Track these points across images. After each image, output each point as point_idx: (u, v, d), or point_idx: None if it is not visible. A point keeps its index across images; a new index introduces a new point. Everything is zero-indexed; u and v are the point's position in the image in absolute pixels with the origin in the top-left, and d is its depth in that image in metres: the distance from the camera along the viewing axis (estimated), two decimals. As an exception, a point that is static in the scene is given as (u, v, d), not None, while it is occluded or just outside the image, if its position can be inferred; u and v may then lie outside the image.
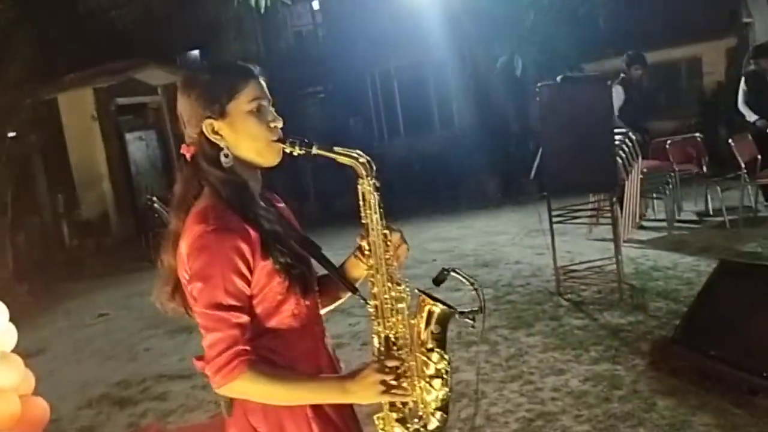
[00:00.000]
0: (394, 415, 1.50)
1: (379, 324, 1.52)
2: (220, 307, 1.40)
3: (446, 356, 1.51)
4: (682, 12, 11.15)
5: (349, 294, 1.67)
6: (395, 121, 13.92)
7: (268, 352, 1.47)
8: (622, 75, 7.03)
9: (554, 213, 5.38)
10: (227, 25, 13.38)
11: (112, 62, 11.41)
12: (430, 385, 1.50)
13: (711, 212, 7.01)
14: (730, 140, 6.47)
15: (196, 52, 14.88)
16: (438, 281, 1.60)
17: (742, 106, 7.00)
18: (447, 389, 1.50)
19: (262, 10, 7.30)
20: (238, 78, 1.50)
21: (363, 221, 1.54)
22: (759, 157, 6.55)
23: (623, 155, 5.88)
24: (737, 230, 6.29)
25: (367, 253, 1.54)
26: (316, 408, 1.49)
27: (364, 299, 1.58)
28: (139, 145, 12.36)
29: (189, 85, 1.51)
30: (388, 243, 1.53)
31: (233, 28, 13.62)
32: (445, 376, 1.50)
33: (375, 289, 1.53)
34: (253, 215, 1.46)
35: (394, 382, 1.44)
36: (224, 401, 1.50)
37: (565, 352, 4.16)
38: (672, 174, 6.81)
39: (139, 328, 6.19)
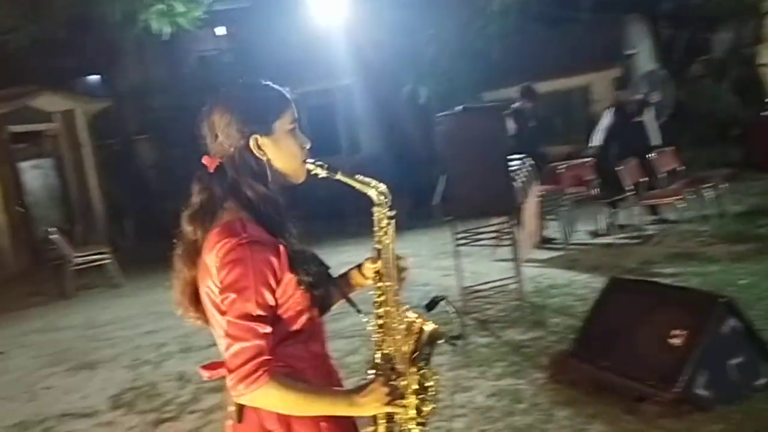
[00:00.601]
0: (383, 428, 1.59)
1: (383, 341, 1.61)
2: (249, 317, 1.45)
3: (435, 375, 1.63)
4: (572, 45, 11.93)
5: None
6: (304, 147, 14.01)
7: (286, 358, 1.52)
8: (514, 106, 7.45)
9: (459, 236, 5.60)
10: (127, 50, 13.07)
11: (4, 89, 10.89)
12: (421, 401, 1.60)
13: (605, 231, 7.49)
14: (617, 165, 6.97)
15: (94, 78, 14.43)
16: (430, 307, 1.75)
17: (599, 132, 7.69)
18: (433, 405, 1.63)
19: (165, 37, 7.26)
20: (282, 99, 1.60)
21: (376, 246, 1.64)
22: (645, 179, 7.11)
23: (521, 180, 6.21)
24: (626, 248, 6.76)
25: (377, 274, 1.64)
26: (326, 416, 1.56)
27: (362, 312, 1.67)
28: (35, 174, 11.80)
29: (234, 101, 1.57)
30: (400, 268, 1.65)
31: (134, 53, 13.32)
32: (432, 393, 1.62)
33: (382, 309, 1.63)
34: (282, 231, 1.52)
35: (398, 396, 1.55)
36: (234, 408, 1.55)
37: (471, 369, 4.33)
38: (566, 197, 7.23)
39: (38, 366, 5.91)
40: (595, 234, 7.62)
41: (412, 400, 1.59)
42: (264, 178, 1.54)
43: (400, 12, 9.83)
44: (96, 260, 8.78)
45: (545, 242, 7.37)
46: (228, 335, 1.46)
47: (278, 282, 1.48)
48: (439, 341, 1.66)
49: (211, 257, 1.49)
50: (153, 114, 12.79)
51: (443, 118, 5.26)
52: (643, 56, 12.74)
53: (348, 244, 9.51)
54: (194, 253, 1.55)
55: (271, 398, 1.47)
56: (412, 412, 1.60)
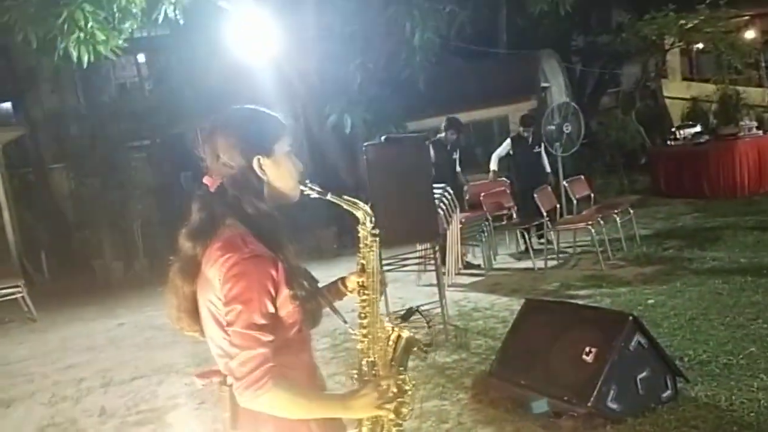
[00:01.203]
0: (367, 429, 1.71)
1: (368, 350, 1.74)
2: (254, 327, 1.54)
3: (410, 380, 1.76)
4: (492, 78, 12.43)
5: None
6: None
7: (280, 366, 1.59)
8: (438, 136, 7.73)
9: (385, 262, 5.73)
10: (44, 76, 12.68)
11: None
12: (400, 403, 1.72)
13: (524, 255, 7.80)
14: (534, 193, 7.31)
15: (7, 105, 13.89)
16: (405, 317, 1.82)
17: (495, 158, 8.37)
18: (411, 407, 1.75)
19: (85, 65, 7.13)
20: (280, 123, 1.72)
21: (361, 260, 1.78)
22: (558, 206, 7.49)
23: (443, 207, 6.42)
24: (544, 271, 7.06)
25: (361, 287, 1.78)
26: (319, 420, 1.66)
27: (347, 322, 1.83)
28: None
29: (237, 125, 1.67)
30: (381, 282, 1.78)
31: (50, 80, 12.93)
32: (410, 395, 1.75)
33: (366, 320, 1.77)
34: (280, 247, 1.61)
35: (387, 399, 1.66)
36: (229, 414, 1.62)
37: (398, 393, 4.42)
38: (487, 222, 7.50)
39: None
40: (515, 258, 7.93)
41: (393, 403, 1.70)
42: (262, 195, 1.64)
43: (326, 42, 10.01)
44: (8, 294, 8.41)
45: (468, 267, 7.61)
46: (234, 345, 1.55)
47: (277, 293, 1.58)
48: (414, 348, 1.79)
49: (213, 271, 1.57)
50: (70, 142, 12.40)
51: (368, 147, 5.40)
52: (557, 89, 13.40)
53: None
54: (194, 269, 1.63)
55: (277, 402, 1.56)
56: (392, 415, 1.71)
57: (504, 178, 8.60)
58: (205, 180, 1.66)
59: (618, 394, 3.50)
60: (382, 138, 5.53)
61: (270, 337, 1.56)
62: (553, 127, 9.10)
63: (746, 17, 14.37)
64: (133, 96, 14.71)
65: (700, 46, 13.90)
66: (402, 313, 1.65)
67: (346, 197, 1.76)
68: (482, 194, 7.80)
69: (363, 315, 1.78)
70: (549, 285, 6.53)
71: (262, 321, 1.54)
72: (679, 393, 3.69)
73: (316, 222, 10.74)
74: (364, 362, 1.75)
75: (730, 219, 8.13)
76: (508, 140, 8.66)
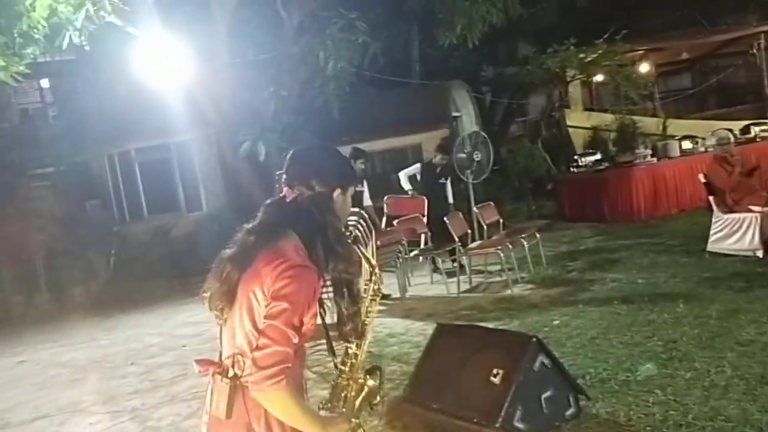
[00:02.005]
0: None
1: (347, 382, 1.95)
2: (291, 326, 1.71)
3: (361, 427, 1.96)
4: (405, 107, 12.71)
5: None
6: (138, 204, 13.44)
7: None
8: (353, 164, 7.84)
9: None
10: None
11: None
12: None
13: (438, 280, 7.96)
14: (445, 218, 7.50)
15: None
16: (369, 372, 2.06)
17: (404, 177, 8.68)
18: None
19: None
20: (355, 173, 2.11)
21: (365, 318, 2.00)
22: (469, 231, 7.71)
23: (358, 234, 6.48)
24: (456, 296, 7.23)
25: (353, 333, 1.96)
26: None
27: (336, 363, 2.01)
28: None
29: (337, 157, 2.01)
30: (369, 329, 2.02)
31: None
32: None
33: (354, 360, 1.97)
34: (326, 265, 1.84)
35: None
36: (223, 404, 1.77)
37: (313, 422, 4.40)
38: (402, 249, 7.62)
39: None
40: (429, 283, 8.08)
41: None
42: (336, 215, 1.89)
43: (239, 69, 9.98)
44: None
45: (383, 297, 7.68)
46: (268, 337, 1.71)
47: (311, 306, 1.77)
48: (375, 399, 2.01)
49: (267, 269, 1.74)
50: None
51: (281, 176, 5.40)
52: (467, 118, 13.83)
53: (190, 303, 9.25)
54: (247, 260, 1.80)
55: (281, 401, 1.73)
56: None
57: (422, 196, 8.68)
58: (285, 191, 1.89)
59: (524, 413, 3.62)
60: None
61: (297, 340, 1.74)
62: (464, 155, 9.39)
63: (640, 52, 15.30)
64: (36, 122, 14.11)
65: (600, 78, 14.69)
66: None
67: (367, 255, 2.04)
68: (396, 221, 7.92)
69: (353, 355, 1.98)
70: (462, 309, 6.69)
71: (298, 324, 1.72)
72: (581, 410, 3.86)
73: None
74: (339, 396, 1.93)
75: (629, 242, 8.60)
76: (419, 164, 8.90)
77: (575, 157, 11.77)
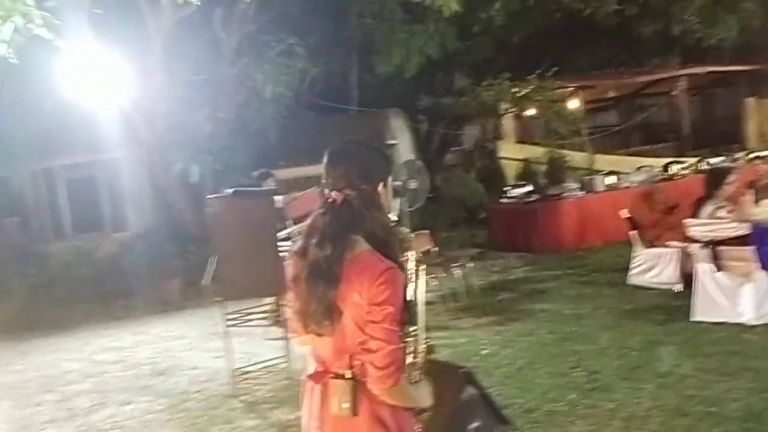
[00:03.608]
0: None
1: (415, 355, 2.02)
2: (397, 323, 1.85)
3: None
4: (343, 133, 12.71)
5: None
6: (61, 222, 12.93)
7: None
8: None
9: (229, 317, 5.61)
10: None
11: None
12: None
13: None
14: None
15: None
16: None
17: None
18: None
19: None
20: (392, 162, 2.15)
21: (413, 284, 2.03)
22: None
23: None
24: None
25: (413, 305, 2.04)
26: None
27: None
28: None
29: (374, 151, 2.08)
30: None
31: None
32: None
33: (419, 329, 2.05)
34: (397, 257, 1.93)
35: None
36: (347, 404, 1.88)
37: (238, 453, 4.30)
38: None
39: None
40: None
41: None
42: (381, 209, 1.97)
43: (175, 88, 9.81)
44: None
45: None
46: (381, 339, 1.83)
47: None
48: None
49: (360, 279, 1.84)
50: None
51: (213, 200, 5.34)
52: (404, 146, 14.00)
53: (112, 327, 8.92)
54: (333, 272, 1.86)
55: (404, 392, 1.90)
56: None
57: None
58: (333, 195, 1.94)
59: (452, 445, 3.63)
60: (229, 190, 5.49)
61: (401, 336, 1.88)
62: (399, 183, 9.48)
63: (570, 88, 15.92)
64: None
65: (532, 112, 15.17)
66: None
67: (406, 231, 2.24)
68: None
69: (411, 330, 2.02)
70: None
71: (399, 322, 1.86)
72: (507, 441, 3.91)
73: (157, 272, 10.30)
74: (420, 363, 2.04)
75: (556, 272, 8.84)
76: None
77: (507, 188, 12.05)
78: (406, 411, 1.96)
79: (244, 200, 5.32)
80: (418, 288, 2.05)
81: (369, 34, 12.61)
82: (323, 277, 1.88)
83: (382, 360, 1.83)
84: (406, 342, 1.98)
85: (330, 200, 1.94)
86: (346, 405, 1.88)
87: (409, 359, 1.99)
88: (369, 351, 1.84)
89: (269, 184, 7.85)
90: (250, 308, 6.32)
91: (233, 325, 5.71)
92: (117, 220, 12.83)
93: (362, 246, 1.90)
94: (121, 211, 12.72)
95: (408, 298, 1.98)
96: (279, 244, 5.60)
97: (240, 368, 5.81)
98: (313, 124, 13.29)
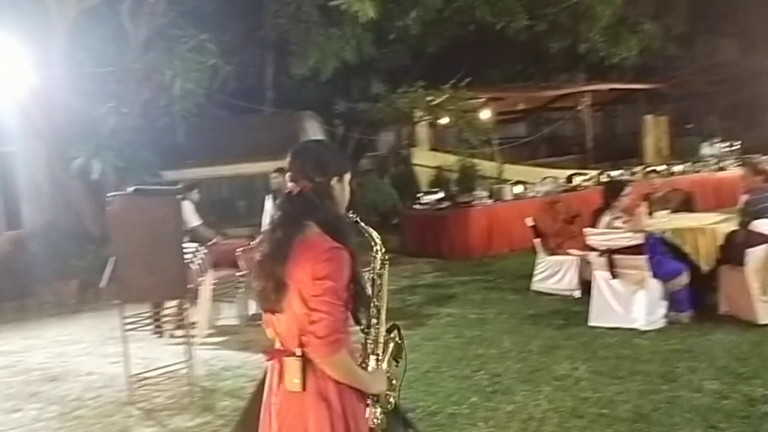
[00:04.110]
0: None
1: (374, 343, 2.16)
2: (337, 298, 1.97)
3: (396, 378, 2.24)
4: (256, 134, 12.54)
5: None
6: (-53, 219, 12.04)
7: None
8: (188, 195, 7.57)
9: (128, 320, 5.37)
10: None
11: None
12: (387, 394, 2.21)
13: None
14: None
15: None
16: (389, 330, 2.26)
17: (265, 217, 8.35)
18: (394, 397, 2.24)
19: None
20: (348, 160, 2.31)
21: (374, 279, 2.21)
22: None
23: (196, 264, 6.25)
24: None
25: (377, 297, 2.20)
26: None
27: (362, 329, 2.18)
28: None
29: (329, 149, 2.30)
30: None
31: None
32: (395, 389, 2.24)
33: (379, 322, 2.19)
34: (348, 243, 2.05)
35: (390, 386, 2.19)
36: (297, 379, 2.02)
37: (132, 463, 4.12)
38: (242, 279, 7.43)
39: None
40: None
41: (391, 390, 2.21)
42: (335, 202, 2.14)
43: (77, 80, 9.33)
44: None
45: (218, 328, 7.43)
46: (319, 311, 1.96)
47: (350, 282, 2.02)
48: (400, 354, 2.27)
49: (306, 258, 2.00)
50: None
51: (114, 198, 5.11)
52: (318, 149, 13.92)
53: (2, 331, 8.37)
54: (286, 253, 2.03)
55: (343, 365, 2.01)
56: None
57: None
58: (291, 186, 2.12)
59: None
60: (131, 189, 5.27)
61: (347, 313, 2.01)
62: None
63: (482, 99, 16.35)
64: None
65: (445, 121, 15.46)
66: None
67: (371, 230, 2.25)
68: (238, 250, 7.71)
69: (372, 323, 2.17)
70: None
71: (344, 297, 1.98)
72: (410, 444, 3.93)
73: (53, 273, 9.76)
74: (368, 356, 2.15)
75: (464, 278, 9.02)
76: (268, 196, 8.64)
77: (419, 194, 12.21)
78: (354, 393, 2.08)
79: (146, 199, 5.11)
80: (383, 285, 2.21)
81: (284, 34, 12.47)
82: (273, 257, 2.06)
83: (322, 330, 1.96)
84: (367, 335, 2.16)
85: (288, 191, 2.14)
86: (297, 381, 2.04)
87: (371, 360, 2.15)
88: (312, 323, 1.98)
89: (193, 197, 7.62)
90: (150, 312, 6.10)
91: (132, 329, 5.47)
92: (11, 217, 12.06)
93: (313, 230, 2.07)
94: (15, 207, 11.97)
95: (368, 293, 2.15)
96: (184, 245, 5.43)
97: (138, 374, 5.57)
98: (225, 123, 13.03)
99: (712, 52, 20.93)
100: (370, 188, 13.71)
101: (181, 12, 10.02)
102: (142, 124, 9.83)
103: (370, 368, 2.15)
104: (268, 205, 8.39)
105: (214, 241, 7.78)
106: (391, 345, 2.24)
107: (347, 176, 2.21)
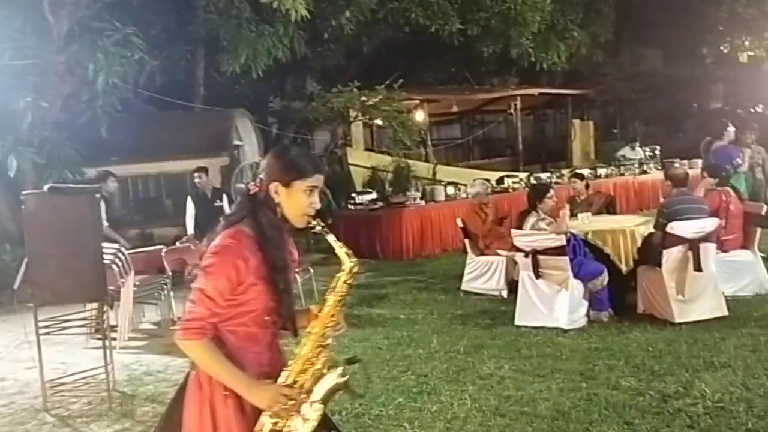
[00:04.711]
0: (270, 425, 2.08)
1: (295, 366, 2.12)
2: (205, 293, 2.05)
3: (320, 411, 2.11)
4: (185, 130, 12.24)
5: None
6: None
7: (229, 336, 2.12)
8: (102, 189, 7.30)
9: (43, 324, 5.14)
10: None
11: None
12: (303, 421, 2.08)
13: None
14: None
15: None
16: (350, 362, 2.25)
17: (189, 219, 8.29)
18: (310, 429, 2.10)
19: None
20: (310, 168, 2.19)
21: (329, 294, 2.21)
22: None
23: (117, 265, 6.04)
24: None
25: (315, 315, 2.20)
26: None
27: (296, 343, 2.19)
28: None
29: (279, 155, 2.23)
30: (333, 318, 2.20)
31: None
32: (312, 423, 2.10)
33: (307, 344, 2.15)
34: (271, 252, 2.10)
35: (281, 405, 2.05)
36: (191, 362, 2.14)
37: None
38: (167, 280, 7.23)
39: None
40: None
41: (285, 414, 2.06)
42: (274, 209, 2.15)
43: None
44: None
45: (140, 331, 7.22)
46: (192, 299, 2.07)
47: (240, 283, 2.06)
48: (341, 389, 2.15)
49: (212, 244, 2.11)
50: None
51: (28, 196, 4.88)
52: (249, 148, 13.71)
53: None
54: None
55: (195, 352, 2.08)
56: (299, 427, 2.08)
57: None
58: (251, 185, 2.20)
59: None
60: (46, 187, 5.04)
61: (215, 308, 2.05)
62: (242, 186, 9.27)
63: (416, 101, 16.44)
64: None
65: (380, 121, 15.48)
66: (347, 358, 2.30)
67: (340, 244, 2.25)
68: (164, 250, 7.51)
69: (307, 337, 2.17)
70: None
71: (213, 293, 2.04)
72: (334, 447, 3.91)
73: None
74: (285, 374, 2.12)
75: (396, 279, 9.06)
76: (189, 198, 8.46)
77: (353, 194, 12.18)
78: (219, 383, 2.10)
79: (61, 197, 4.90)
80: (329, 309, 2.22)
81: (214, 30, 12.21)
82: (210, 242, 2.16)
83: (186, 315, 2.07)
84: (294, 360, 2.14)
85: (248, 190, 2.23)
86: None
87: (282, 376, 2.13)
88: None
89: (109, 186, 7.37)
90: (67, 314, 5.85)
91: (47, 333, 5.24)
92: None
93: (242, 226, 2.13)
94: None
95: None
96: (103, 246, 5.23)
97: (54, 379, 5.35)
98: (153, 119, 12.66)
99: (637, 60, 21.80)
100: (304, 188, 13.54)
101: (106, 4, 9.67)
102: (64, 119, 9.43)
103: (280, 380, 2.12)
104: (190, 204, 8.22)
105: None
106: (331, 376, 2.14)
107: (299, 183, 2.15)
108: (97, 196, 5.04)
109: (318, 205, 2.21)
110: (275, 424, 2.08)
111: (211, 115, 13.53)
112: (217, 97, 14.50)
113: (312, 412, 2.10)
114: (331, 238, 2.23)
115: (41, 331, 5.08)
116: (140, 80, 9.88)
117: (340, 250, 2.24)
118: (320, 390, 2.12)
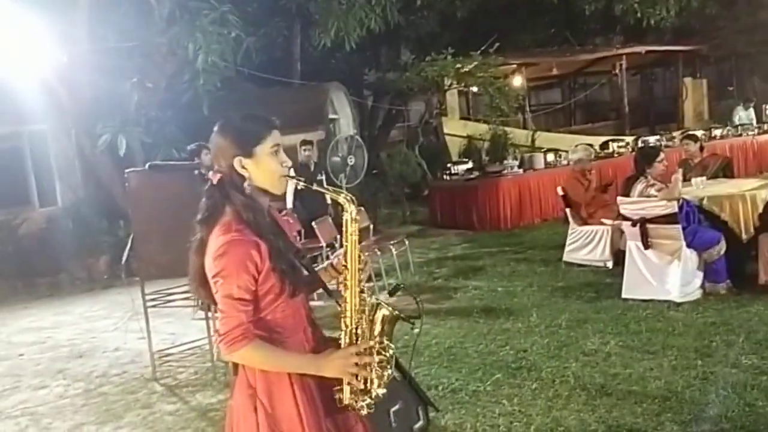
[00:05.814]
0: (349, 390, 1.99)
1: (348, 322, 2.00)
2: (232, 297, 1.88)
3: (392, 348, 2.03)
4: (283, 106, 12.35)
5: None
6: (-17, 196, 12.24)
7: (266, 328, 1.96)
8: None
9: (149, 297, 5.36)
10: None
11: None
12: (380, 369, 2.00)
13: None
14: (313, 224, 7.34)
15: None
16: (392, 293, 2.29)
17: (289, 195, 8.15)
18: (390, 371, 2.02)
19: None
20: (264, 127, 2.00)
21: (344, 242, 2.03)
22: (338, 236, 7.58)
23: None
24: (322, 306, 7.09)
25: (342, 266, 2.05)
26: (297, 376, 1.96)
27: (338, 302, 2.05)
28: None
29: (225, 130, 2.00)
30: (360, 260, 2.03)
31: None
32: (390, 362, 2.03)
33: (347, 294, 2.02)
34: (264, 231, 1.93)
35: (355, 366, 1.94)
36: (231, 364, 2.01)
37: (152, 440, 4.11)
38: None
39: None
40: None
41: (365, 370, 1.97)
42: (242, 189, 1.96)
43: (101, 56, 9.29)
44: None
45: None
46: (219, 309, 1.92)
47: (259, 272, 1.90)
48: (396, 321, 2.06)
49: (209, 250, 1.92)
50: None
51: (131, 174, 5.06)
52: (345, 121, 13.76)
53: (34, 307, 8.52)
54: (202, 247, 1.96)
55: (249, 357, 1.92)
56: (377, 378, 1.99)
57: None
58: (210, 175, 2.00)
59: (373, 428, 3.53)
60: (147, 165, 5.21)
61: (248, 307, 1.90)
62: (338, 159, 9.29)
63: (513, 65, 15.92)
64: None
65: (475, 89, 15.09)
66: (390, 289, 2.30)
67: (329, 187, 2.15)
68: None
69: (344, 289, 2.05)
70: (323, 316, 6.54)
71: (240, 293, 1.88)
72: (430, 422, 3.83)
73: (85, 249, 9.88)
74: (343, 334, 2.01)
75: (493, 250, 8.83)
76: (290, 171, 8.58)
77: (449, 165, 11.98)
78: (277, 375, 1.96)
79: (161, 175, 5.04)
80: (350, 254, 2.03)
81: (306, 4, 12.22)
82: (196, 250, 2.01)
83: (221, 328, 1.92)
84: (341, 309, 2.03)
85: (210, 181, 2.02)
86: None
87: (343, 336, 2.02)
88: (218, 320, 1.96)
89: (203, 159, 7.55)
90: (172, 288, 6.07)
91: (153, 306, 5.46)
92: (44, 194, 12.22)
93: (224, 218, 1.96)
94: (48, 184, 12.13)
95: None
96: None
97: (162, 350, 5.59)
98: (251, 96, 12.91)
99: (755, 10, 19.98)
100: (398, 160, 13.49)
101: (204, -16, 9.88)
102: (167, 99, 9.78)
103: (343, 344, 2.00)
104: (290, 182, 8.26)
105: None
106: (380, 315, 2.03)
107: (261, 148, 1.96)
108: (195, 172, 5.14)
109: (289, 162, 2.03)
110: (358, 382, 2.00)
111: (307, 90, 13.65)
112: (313, 71, 14.61)
113: (384, 353, 2.03)
114: (316, 187, 2.11)
115: (148, 304, 5.31)
116: (238, 58, 10.05)
117: (330, 192, 2.13)
118: (380, 330, 2.04)
